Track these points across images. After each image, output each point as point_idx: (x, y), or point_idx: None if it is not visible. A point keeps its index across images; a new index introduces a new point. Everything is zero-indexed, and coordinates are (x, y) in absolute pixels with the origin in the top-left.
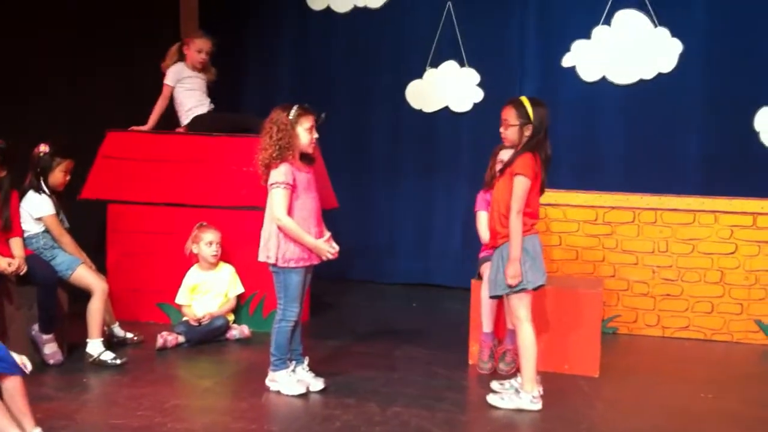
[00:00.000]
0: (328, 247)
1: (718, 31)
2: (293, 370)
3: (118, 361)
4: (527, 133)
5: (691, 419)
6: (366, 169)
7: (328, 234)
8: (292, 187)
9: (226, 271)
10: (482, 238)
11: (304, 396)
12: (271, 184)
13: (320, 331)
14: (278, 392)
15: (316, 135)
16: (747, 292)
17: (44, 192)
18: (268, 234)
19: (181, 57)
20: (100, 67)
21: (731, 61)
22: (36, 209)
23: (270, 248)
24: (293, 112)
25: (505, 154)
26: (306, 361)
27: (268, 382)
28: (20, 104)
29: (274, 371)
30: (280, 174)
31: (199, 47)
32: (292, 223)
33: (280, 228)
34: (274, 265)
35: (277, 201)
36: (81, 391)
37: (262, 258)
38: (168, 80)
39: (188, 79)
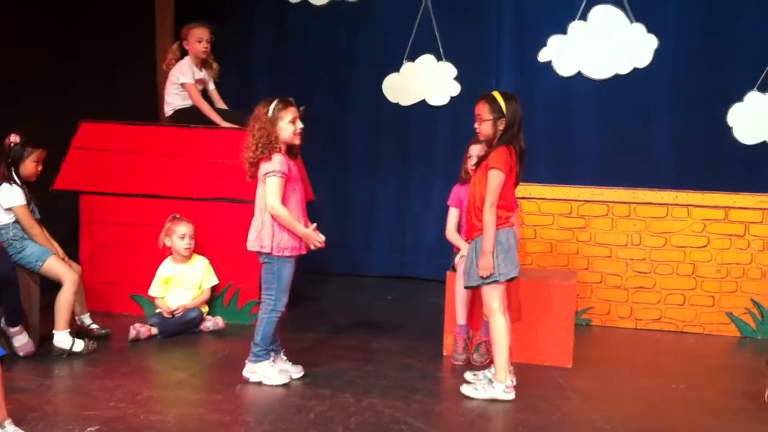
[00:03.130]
0: (316, 236)
1: (693, 27)
2: (274, 361)
3: (92, 346)
4: (501, 126)
5: (663, 409)
6: (343, 163)
7: (313, 224)
8: (287, 177)
9: (200, 263)
10: (447, 231)
11: (279, 386)
12: (266, 173)
13: (297, 324)
14: (260, 383)
15: (300, 125)
16: (718, 284)
17: (15, 183)
18: (261, 224)
19: (183, 53)
20: (77, 69)
21: (706, 57)
22: (6, 200)
23: (264, 238)
24: (272, 108)
25: (474, 150)
26: (282, 352)
27: (247, 373)
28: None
29: (255, 362)
30: (275, 163)
31: (198, 37)
32: (285, 211)
33: (273, 216)
34: (269, 254)
35: (271, 189)
36: (52, 382)
37: (254, 248)
38: (184, 78)
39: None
